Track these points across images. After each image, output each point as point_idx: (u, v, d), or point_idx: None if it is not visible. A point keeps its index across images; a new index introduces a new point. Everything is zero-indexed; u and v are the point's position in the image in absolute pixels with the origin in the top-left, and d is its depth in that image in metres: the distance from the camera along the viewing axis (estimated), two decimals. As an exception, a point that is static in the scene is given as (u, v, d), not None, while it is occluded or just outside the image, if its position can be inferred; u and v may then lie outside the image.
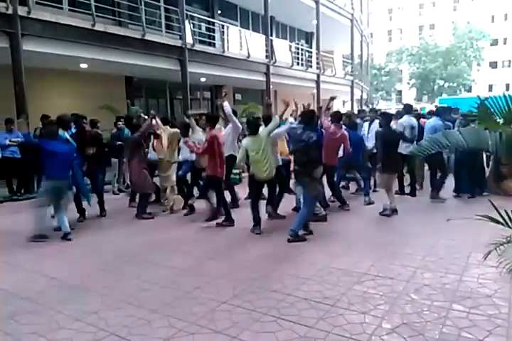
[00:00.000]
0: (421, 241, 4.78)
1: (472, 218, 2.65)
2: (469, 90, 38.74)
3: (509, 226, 2.50)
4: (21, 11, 7.97)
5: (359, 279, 3.70)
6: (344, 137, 6.39)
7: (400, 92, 46.04)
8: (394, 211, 6.05)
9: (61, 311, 3.23)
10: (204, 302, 3.33)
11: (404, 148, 6.79)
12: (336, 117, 6.53)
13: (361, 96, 25.26)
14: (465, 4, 46.27)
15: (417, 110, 10.42)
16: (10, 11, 7.77)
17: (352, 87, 22.82)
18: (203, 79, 13.99)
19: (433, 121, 7.19)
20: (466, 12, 44.02)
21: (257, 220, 5.36)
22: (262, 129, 5.55)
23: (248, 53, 14.18)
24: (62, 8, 9.98)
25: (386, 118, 6.37)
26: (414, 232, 5.21)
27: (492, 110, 2.72)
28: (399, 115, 7.81)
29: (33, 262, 4.46)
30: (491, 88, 43.46)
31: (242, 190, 7.07)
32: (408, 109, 7.75)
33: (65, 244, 5.10)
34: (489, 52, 39.71)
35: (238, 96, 17.86)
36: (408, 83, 40.47)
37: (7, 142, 7.37)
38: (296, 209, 6.09)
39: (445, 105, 10.67)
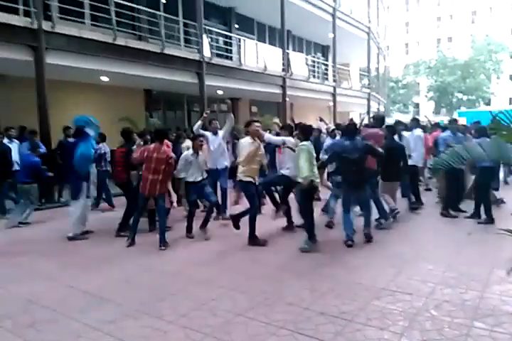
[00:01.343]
0: (440, 256, 4.70)
1: (493, 233, 2.60)
2: (488, 103, 38.20)
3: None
4: (45, 25, 8.24)
5: (378, 294, 3.64)
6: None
7: (417, 105, 45.68)
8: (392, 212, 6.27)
9: (79, 320, 3.26)
10: (220, 314, 3.32)
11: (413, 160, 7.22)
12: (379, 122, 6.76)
13: (378, 108, 25.17)
14: (483, 17, 45.94)
15: (438, 124, 10.40)
16: (35, 26, 8.05)
17: (369, 100, 22.79)
18: (220, 92, 14.15)
19: (444, 133, 7.33)
20: (485, 24, 43.73)
21: (312, 228, 5.18)
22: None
23: (265, 66, 14.33)
24: (84, 23, 10.28)
25: (390, 130, 6.43)
26: (433, 246, 5.11)
27: (506, 124, 2.68)
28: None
29: (51, 271, 4.53)
30: (511, 101, 42.76)
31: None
32: (417, 123, 8.10)
33: (82, 254, 5.17)
34: (509, 64, 39.14)
35: (254, 109, 17.98)
36: (426, 96, 40.11)
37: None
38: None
39: (457, 118, 10.82)
